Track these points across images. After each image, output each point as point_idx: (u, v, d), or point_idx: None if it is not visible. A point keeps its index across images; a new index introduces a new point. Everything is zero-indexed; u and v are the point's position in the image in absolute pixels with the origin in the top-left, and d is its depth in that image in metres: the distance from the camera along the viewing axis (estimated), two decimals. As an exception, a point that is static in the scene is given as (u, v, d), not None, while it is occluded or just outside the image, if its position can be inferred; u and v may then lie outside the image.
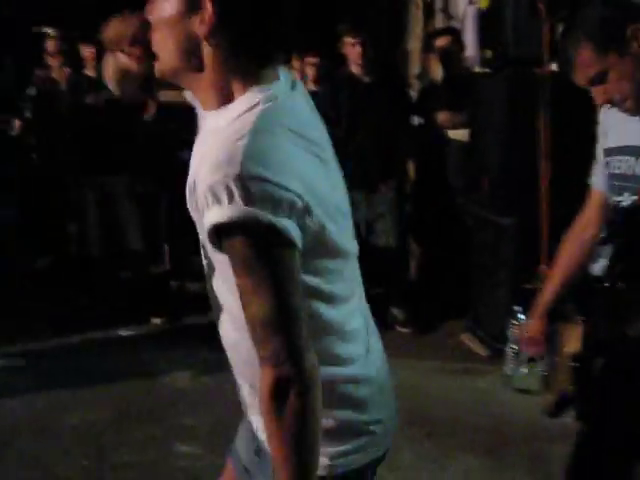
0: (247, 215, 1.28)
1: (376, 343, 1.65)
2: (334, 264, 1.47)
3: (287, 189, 1.30)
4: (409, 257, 5.48)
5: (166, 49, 1.42)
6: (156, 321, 5.07)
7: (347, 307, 1.53)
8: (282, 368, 1.33)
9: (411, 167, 5.42)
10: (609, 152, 2.27)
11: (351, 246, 1.54)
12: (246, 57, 1.40)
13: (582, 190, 2.44)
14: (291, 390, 1.33)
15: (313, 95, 1.60)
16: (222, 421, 3.53)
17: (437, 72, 5.52)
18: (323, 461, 1.49)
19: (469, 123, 4.98)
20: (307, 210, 1.34)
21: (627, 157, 2.20)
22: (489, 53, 5.04)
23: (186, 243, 5.14)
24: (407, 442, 3.64)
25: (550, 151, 4.19)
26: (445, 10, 6.30)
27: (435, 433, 3.75)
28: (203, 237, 1.42)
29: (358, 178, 4.96)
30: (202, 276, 1.60)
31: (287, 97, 1.44)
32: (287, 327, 1.32)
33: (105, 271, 5.53)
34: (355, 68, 4.94)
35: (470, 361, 4.64)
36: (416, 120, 5.30)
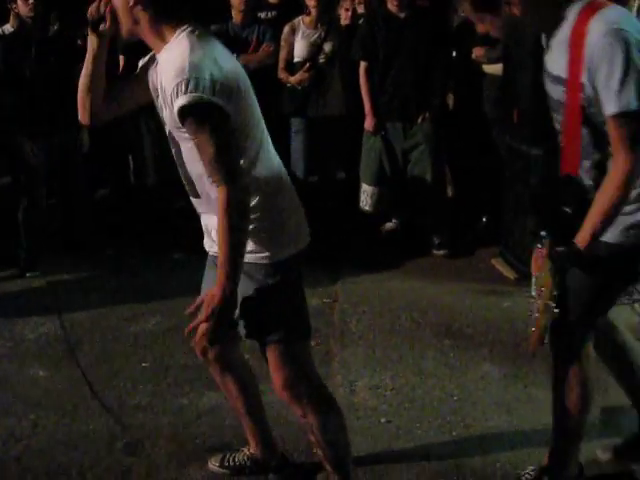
0: (197, 97, 2.10)
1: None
2: (252, 124, 2.30)
3: (218, 78, 2.13)
4: (445, 185, 5.67)
5: (122, 17, 2.29)
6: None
7: (264, 151, 2.37)
8: (227, 186, 2.16)
9: (448, 99, 5.57)
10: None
11: (257, 113, 2.37)
12: (167, 18, 2.25)
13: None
14: (232, 197, 2.16)
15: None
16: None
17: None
18: (266, 254, 2.38)
19: (503, 57, 5.10)
20: (230, 89, 2.17)
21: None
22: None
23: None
24: (434, 352, 3.98)
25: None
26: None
27: (460, 345, 4.04)
28: (171, 126, 2.27)
29: (396, 110, 5.23)
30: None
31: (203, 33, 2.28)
32: (225, 162, 2.16)
33: (160, 199, 5.85)
34: (391, 6, 5.07)
35: (499, 283, 4.86)
36: (453, 53, 5.43)
